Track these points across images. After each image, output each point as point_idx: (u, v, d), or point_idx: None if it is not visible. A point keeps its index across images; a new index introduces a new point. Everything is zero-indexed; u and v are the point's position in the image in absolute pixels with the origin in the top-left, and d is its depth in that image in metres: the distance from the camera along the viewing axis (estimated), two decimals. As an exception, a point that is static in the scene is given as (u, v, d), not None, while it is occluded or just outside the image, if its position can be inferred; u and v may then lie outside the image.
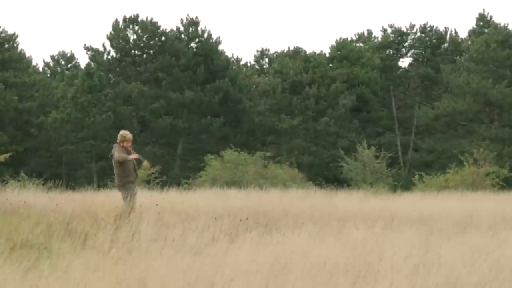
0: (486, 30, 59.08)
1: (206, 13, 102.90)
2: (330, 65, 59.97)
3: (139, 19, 58.55)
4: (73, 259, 8.30)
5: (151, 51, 58.27)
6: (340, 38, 63.78)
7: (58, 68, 71.16)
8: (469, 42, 58.37)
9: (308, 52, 63.61)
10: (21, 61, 59.87)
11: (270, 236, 10.61)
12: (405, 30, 63.08)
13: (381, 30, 65.42)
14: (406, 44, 63.19)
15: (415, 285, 7.59)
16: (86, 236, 10.65)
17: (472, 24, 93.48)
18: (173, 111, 56.19)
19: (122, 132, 14.93)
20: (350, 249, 9.04)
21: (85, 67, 58.73)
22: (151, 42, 58.12)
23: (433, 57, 61.35)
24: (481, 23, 61.18)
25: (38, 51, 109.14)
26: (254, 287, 7.42)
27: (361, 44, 65.94)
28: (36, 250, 9.63)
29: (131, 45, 58.19)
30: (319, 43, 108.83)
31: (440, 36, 62.50)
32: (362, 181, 42.17)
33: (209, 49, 58.57)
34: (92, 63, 59.14)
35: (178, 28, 59.81)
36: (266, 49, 72.69)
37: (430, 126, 58.56)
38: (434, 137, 58.12)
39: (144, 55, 58.42)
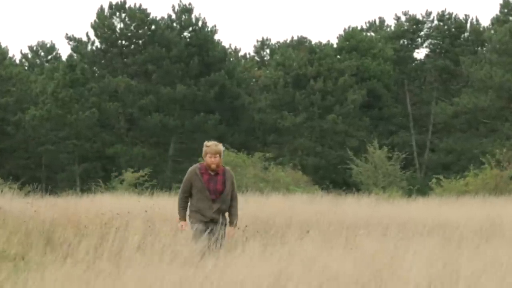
0: (511, 18, 59.08)
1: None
2: (338, 56, 59.98)
3: (127, 6, 58.57)
4: (53, 271, 8.29)
5: (140, 41, 58.30)
6: (349, 27, 63.85)
7: (37, 60, 71.22)
8: (492, 32, 58.37)
9: (313, 43, 63.71)
10: (-4, 52, 59.98)
11: (272, 247, 10.60)
12: (421, 18, 63.11)
13: (394, 18, 65.51)
14: (422, 33, 63.20)
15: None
16: (68, 246, 10.63)
17: (495, 11, 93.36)
18: (163, 108, 56.19)
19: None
20: (361, 261, 9.03)
21: (67, 59, 58.75)
22: (140, 31, 58.13)
23: (452, 48, 61.36)
24: (505, 10, 61.16)
25: (15, 41, 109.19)
26: (254, 303, 7.41)
27: (372, 34, 65.98)
28: (12, 261, 9.62)
29: (118, 35, 58.20)
30: (325, 33, 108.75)
31: (459, 25, 62.51)
32: (373, 185, 42.21)
33: (203, 39, 58.58)
34: (74, 55, 59.17)
35: (169, 16, 59.86)
36: (267, 39, 72.89)
37: (448, 124, 58.58)
38: (453, 136, 58.13)
39: (132, 46, 58.43)
